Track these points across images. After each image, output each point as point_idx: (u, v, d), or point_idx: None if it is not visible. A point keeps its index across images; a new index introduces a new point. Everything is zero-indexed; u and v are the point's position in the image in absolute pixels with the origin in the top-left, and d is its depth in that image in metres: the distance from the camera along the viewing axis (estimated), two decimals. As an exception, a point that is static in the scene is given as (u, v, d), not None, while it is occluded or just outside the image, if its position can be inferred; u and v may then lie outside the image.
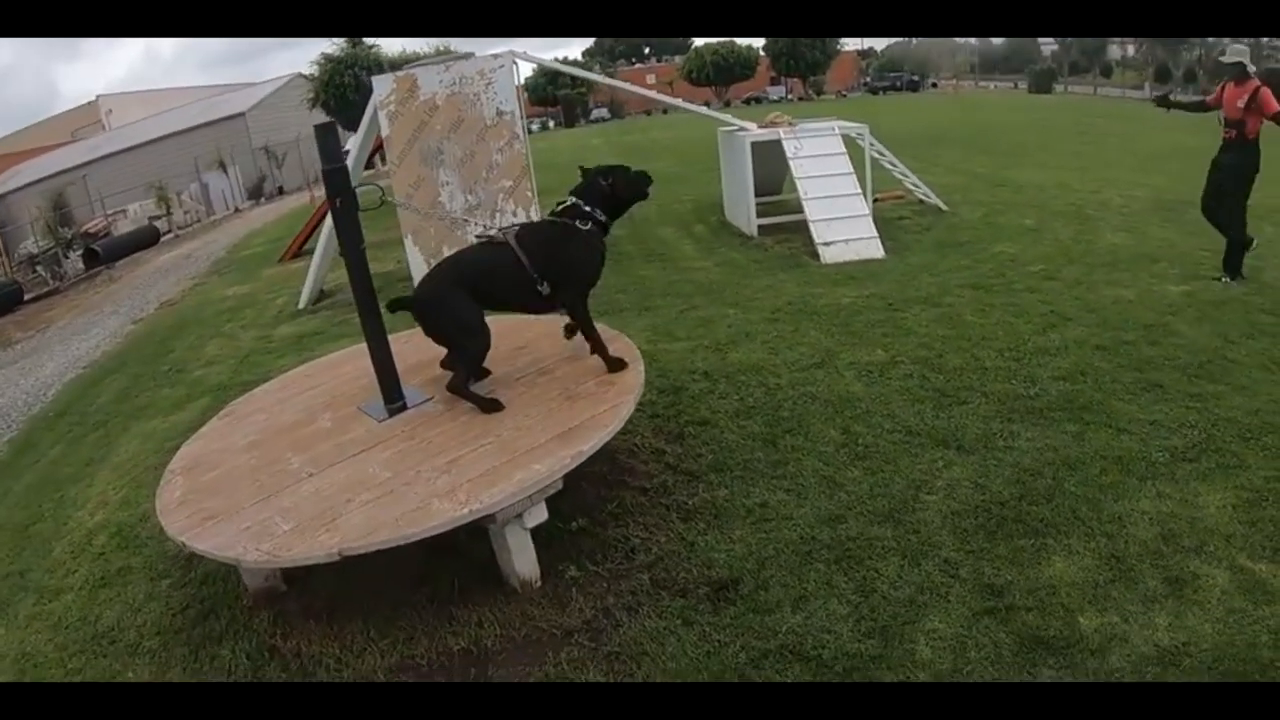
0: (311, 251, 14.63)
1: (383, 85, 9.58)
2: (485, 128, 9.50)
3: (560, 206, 4.69)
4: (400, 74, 9.69)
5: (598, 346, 4.63)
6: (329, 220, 10.99)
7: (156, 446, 6.59)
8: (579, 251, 4.58)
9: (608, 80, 17.10)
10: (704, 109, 14.65)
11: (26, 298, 20.17)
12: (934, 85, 76.75)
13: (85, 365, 10.91)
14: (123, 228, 27.06)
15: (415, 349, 5.05)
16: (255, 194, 36.15)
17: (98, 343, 12.35)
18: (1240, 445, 4.70)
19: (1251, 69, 7.90)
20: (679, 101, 14.90)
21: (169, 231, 27.28)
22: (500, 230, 4.67)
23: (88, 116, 50.32)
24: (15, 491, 6.58)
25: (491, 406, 4.35)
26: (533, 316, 5.15)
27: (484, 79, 9.39)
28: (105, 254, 23.11)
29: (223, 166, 33.94)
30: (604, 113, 72.14)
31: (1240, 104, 7.73)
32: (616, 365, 4.58)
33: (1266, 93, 7.72)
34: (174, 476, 4.30)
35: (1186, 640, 3.28)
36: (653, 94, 15.05)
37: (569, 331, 4.92)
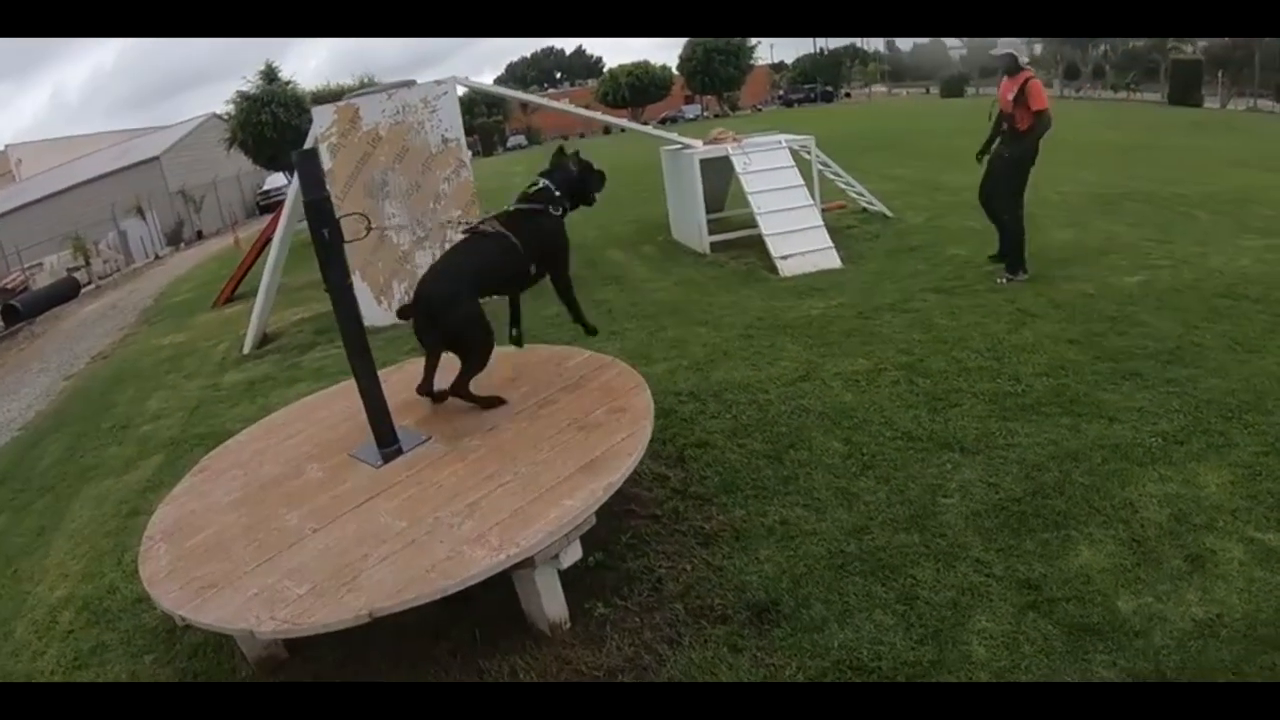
0: (244, 296, 14.36)
1: (323, 116, 9.38)
2: (431, 156, 9.35)
3: (532, 189, 4.82)
4: (341, 104, 9.49)
5: (581, 319, 5.09)
6: (271, 260, 10.76)
7: (113, 510, 6.26)
8: (556, 230, 4.82)
9: (554, 104, 16.96)
10: (648, 128, 14.65)
11: (-56, 360, 19.38)
12: (847, 95, 78.04)
13: (20, 427, 10.35)
14: (41, 281, 26.18)
15: (405, 384, 4.87)
16: (174, 239, 35.34)
17: (29, 402, 11.77)
18: (1225, 424, 4.84)
19: (1024, 60, 8.17)
20: (626, 122, 14.90)
21: (89, 283, 26.48)
22: (481, 221, 4.76)
23: (-3, 167, 48.95)
24: (-38, 568, 6.14)
25: (493, 403, 4.45)
26: (512, 348, 5.20)
27: (428, 106, 9.25)
28: (25, 309, 22.29)
29: (140, 213, 33.12)
30: (521, 139, 72.13)
31: (1010, 96, 7.86)
32: (591, 330, 5.14)
33: (1036, 85, 7.86)
34: (155, 544, 3.97)
35: (1219, 612, 3.36)
36: (599, 115, 15.00)
37: (519, 341, 5.19)
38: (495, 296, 4.87)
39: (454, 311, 4.38)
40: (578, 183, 4.92)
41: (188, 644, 4.18)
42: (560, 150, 5.05)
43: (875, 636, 3.46)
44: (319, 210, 3.97)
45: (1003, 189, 8.15)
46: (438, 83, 9.43)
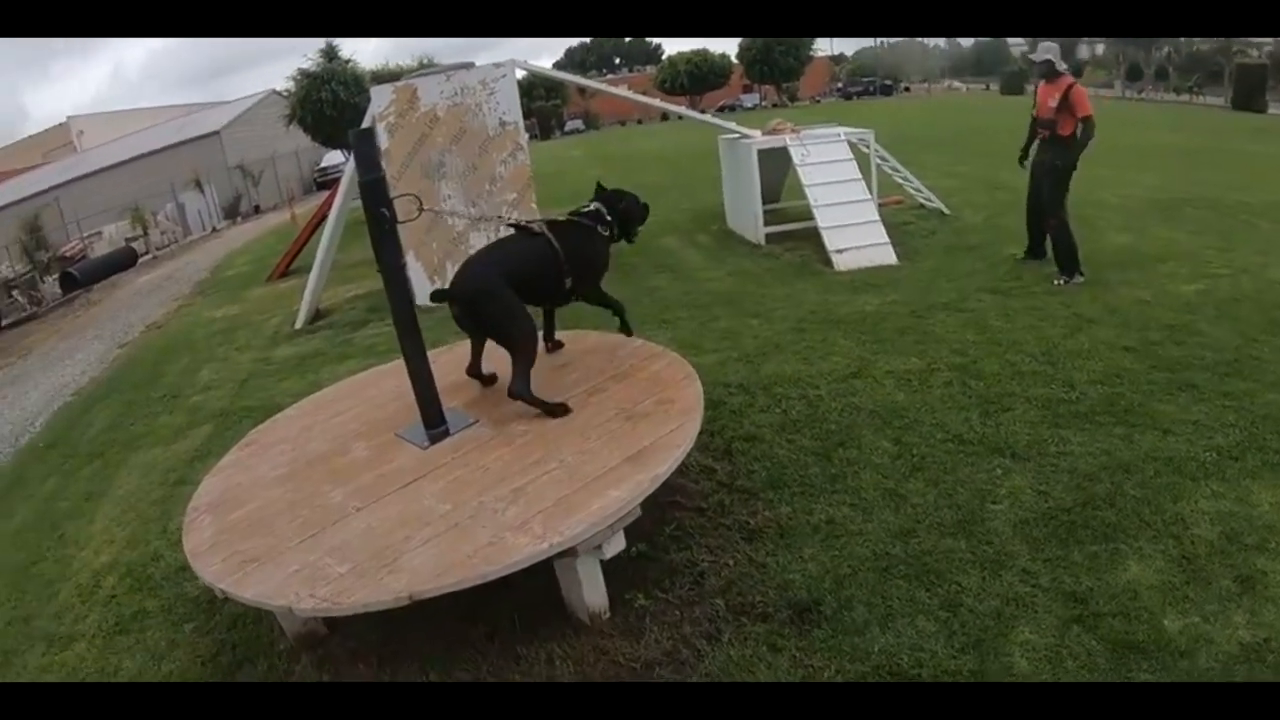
0: (299, 271, 14.48)
1: (381, 96, 9.40)
2: (488, 139, 9.34)
3: (584, 209, 4.88)
4: (400, 84, 9.50)
5: (619, 309, 5.04)
6: (325, 237, 10.84)
7: (160, 479, 6.35)
8: (600, 250, 4.87)
9: (612, 90, 16.87)
10: (706, 117, 14.56)
11: (3, 324, 19.75)
12: (906, 89, 77.35)
13: (72, 393, 10.53)
14: (99, 250, 26.65)
15: (454, 365, 4.86)
16: (231, 213, 35.78)
17: (83, 369, 11.97)
18: None
19: (1062, 66, 8.01)
20: (684, 110, 14.80)
21: (146, 253, 26.91)
22: (530, 222, 4.74)
23: (59, 138, 49.68)
24: (8, 530, 6.25)
25: (559, 411, 4.27)
26: (574, 332, 5.25)
27: (486, 89, 9.23)
28: (83, 277, 22.73)
29: (199, 186, 33.57)
30: (579, 124, 72.20)
31: (1052, 103, 7.79)
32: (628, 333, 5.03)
33: (1080, 92, 7.81)
34: (199, 515, 4.00)
35: (1267, 636, 3.28)
36: (656, 102, 14.87)
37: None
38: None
39: (489, 302, 4.34)
40: (625, 215, 4.99)
41: (228, 614, 4.23)
42: (599, 185, 5.11)
43: (916, 643, 3.41)
44: (374, 190, 3.95)
45: (1049, 195, 8.05)
46: (496, 65, 9.41)
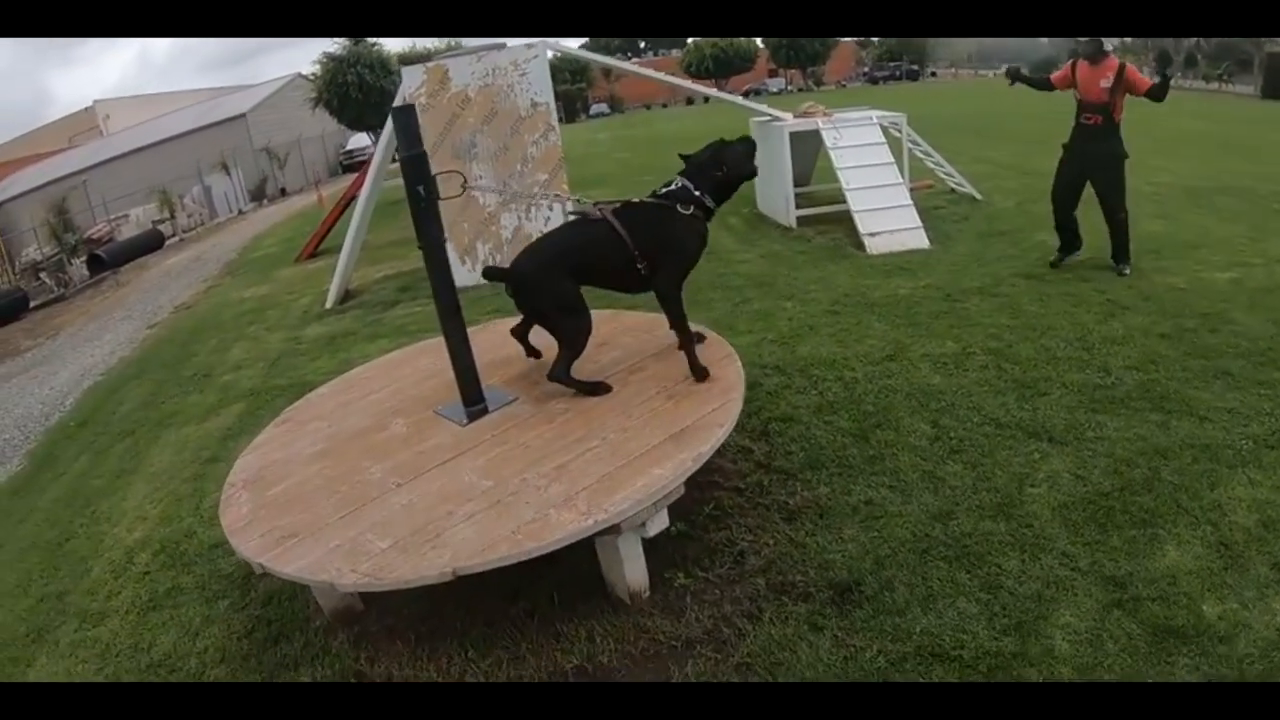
0: (327, 252, 14.53)
1: (413, 77, 9.41)
2: (520, 119, 9.35)
3: (665, 189, 4.48)
4: (431, 65, 9.50)
5: (686, 345, 4.38)
6: (356, 217, 10.88)
7: (192, 456, 6.39)
8: (679, 232, 4.38)
9: (647, 72, 16.70)
10: (738, 99, 14.50)
11: (32, 305, 19.92)
12: (933, 75, 76.66)
13: (102, 372, 10.63)
14: (126, 232, 26.82)
15: (491, 344, 4.85)
16: (258, 196, 35.94)
17: (112, 349, 12.08)
18: None
19: (1109, 47, 7.50)
20: (715, 92, 14.76)
21: (173, 235, 27.08)
22: (596, 205, 4.47)
23: (85, 122, 49.91)
24: (41, 507, 6.30)
25: (598, 389, 4.23)
26: (611, 311, 5.03)
27: (518, 70, 9.23)
28: (110, 259, 22.89)
29: (225, 169, 33.71)
30: (604, 108, 72.14)
31: (1105, 84, 7.34)
32: (701, 374, 4.28)
33: (1134, 70, 7.43)
34: (236, 491, 4.00)
35: None
36: (690, 85, 14.80)
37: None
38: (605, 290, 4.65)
39: (541, 289, 4.27)
40: (723, 184, 4.56)
41: (263, 591, 4.26)
42: (689, 157, 4.64)
43: (958, 624, 3.40)
44: (416, 166, 3.94)
45: (1113, 187, 7.67)
46: (528, 46, 9.41)
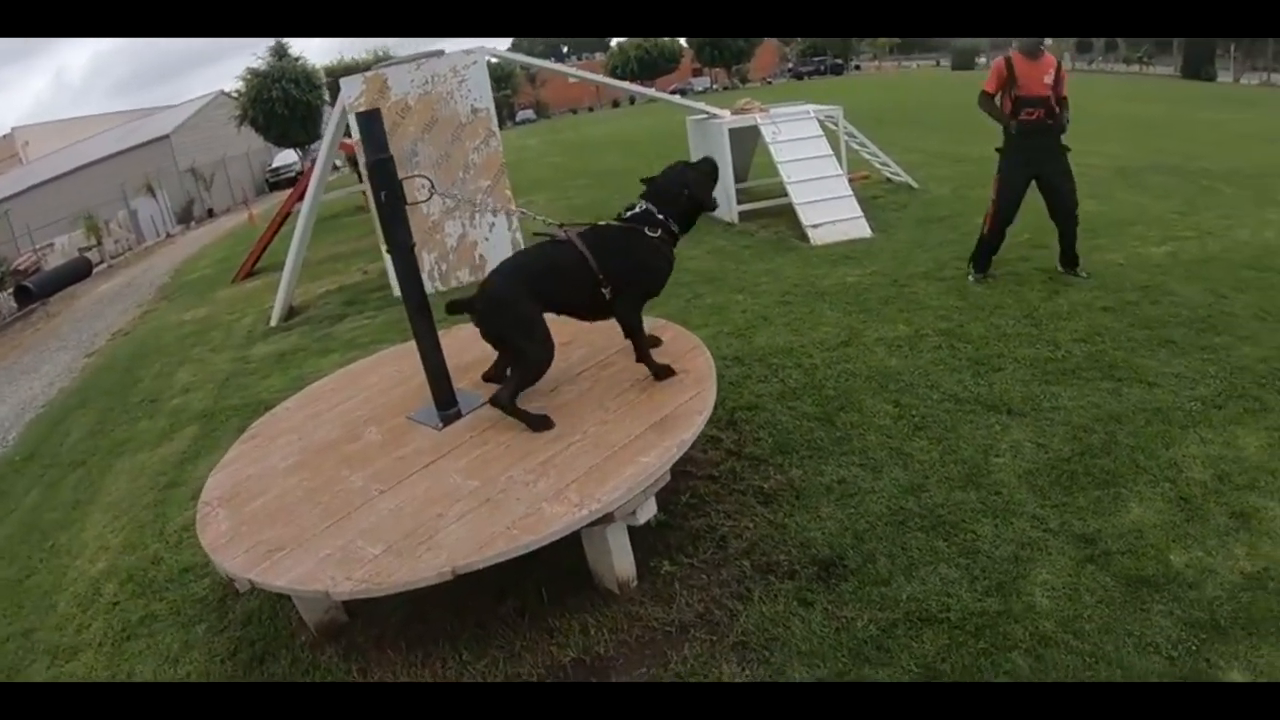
0: (264, 271, 14.38)
1: (352, 86, 9.34)
2: (460, 126, 9.34)
3: (630, 212, 4.37)
4: (370, 74, 9.44)
5: (643, 355, 4.36)
6: (297, 233, 10.77)
7: (150, 482, 6.27)
8: (645, 257, 4.29)
9: (591, 76, 16.69)
10: (677, 99, 14.61)
11: (-40, 341, 19.38)
12: (856, 68, 77.52)
13: (43, 404, 10.34)
14: (52, 261, 26.17)
15: (457, 348, 4.82)
16: (185, 218, 35.30)
17: (51, 380, 11.77)
18: (1260, 390, 4.96)
19: (1046, 42, 7.09)
20: (654, 92, 14.86)
21: (101, 262, 26.49)
22: (562, 227, 4.36)
23: (4, 150, 48.62)
24: (-5, 544, 6.13)
25: (541, 424, 4.01)
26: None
27: (456, 76, 9.24)
28: (38, 290, 22.29)
29: (151, 191, 33.09)
30: (530, 114, 72.02)
31: (1048, 79, 6.90)
32: (663, 373, 4.30)
33: (1064, 71, 7.11)
34: (212, 509, 3.93)
35: (1266, 566, 3.50)
36: (629, 86, 14.82)
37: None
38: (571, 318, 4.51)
39: (504, 312, 4.11)
40: (690, 207, 4.46)
41: (241, 612, 4.21)
42: (651, 181, 4.51)
43: (941, 589, 3.53)
44: (382, 171, 3.97)
45: (1071, 189, 7.17)
46: (467, 52, 9.41)
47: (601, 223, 4.39)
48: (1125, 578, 3.50)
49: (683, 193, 4.40)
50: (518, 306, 4.09)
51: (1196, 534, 3.73)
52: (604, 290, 4.21)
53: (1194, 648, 3.10)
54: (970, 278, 7.46)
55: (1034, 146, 7.05)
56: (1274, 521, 3.77)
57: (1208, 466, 4.24)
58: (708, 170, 4.59)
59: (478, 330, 4.27)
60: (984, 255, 7.46)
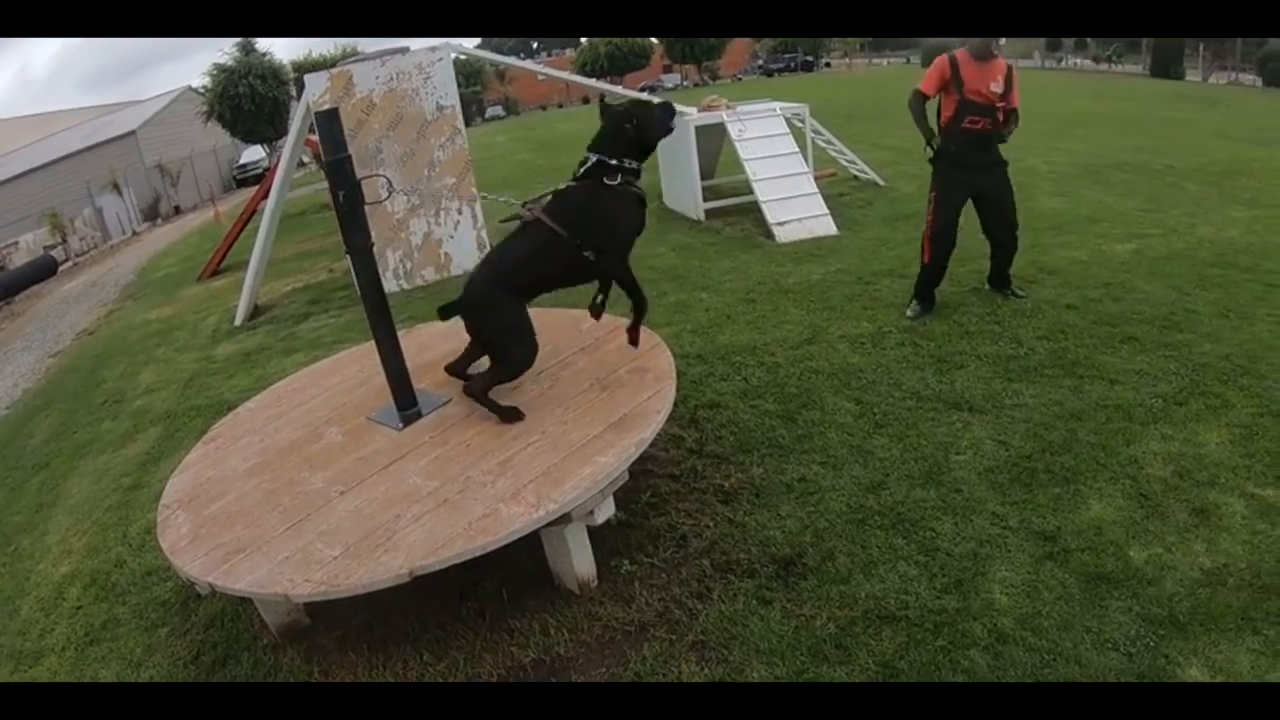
0: (230, 269, 14.26)
1: (316, 83, 9.27)
2: (426, 123, 9.30)
3: (583, 168, 4.14)
4: (335, 71, 9.37)
5: (639, 307, 4.32)
6: (262, 231, 10.69)
7: (113, 484, 6.20)
8: (614, 208, 4.09)
9: (560, 74, 16.65)
10: (644, 96, 14.59)
11: (-78, 341, 19.12)
12: (827, 65, 77.62)
13: (6, 406, 10.21)
14: (16, 260, 25.84)
15: (417, 348, 4.83)
16: (151, 215, 34.93)
17: (14, 381, 11.62)
18: (1221, 387, 5.02)
19: (999, 43, 6.31)
20: (621, 89, 14.81)
21: (67, 260, 26.18)
22: (526, 206, 4.23)
23: (-34, 147, 48.01)
24: (-45, 550, 6.04)
25: (512, 415, 4.04)
26: (534, 311, 4.91)
27: (422, 73, 9.18)
28: (2, 289, 22.05)
29: (116, 188, 32.71)
30: (499, 110, 71.74)
31: (996, 87, 6.18)
32: (636, 340, 4.39)
33: (1017, 77, 6.35)
34: (172, 512, 3.89)
35: (1225, 562, 3.55)
36: (597, 84, 14.80)
37: (597, 311, 4.50)
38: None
39: (485, 316, 4.13)
40: (637, 142, 4.14)
41: (204, 615, 4.18)
42: (603, 109, 4.27)
43: (900, 587, 3.56)
44: (339, 171, 3.93)
45: (1012, 205, 6.59)
46: (432, 49, 9.36)
47: (562, 185, 4.22)
48: (1084, 575, 3.54)
49: (627, 127, 4.11)
50: (500, 311, 4.09)
51: (1156, 530, 3.78)
52: (586, 254, 4.09)
53: (1152, 644, 3.14)
54: (908, 311, 6.65)
55: (976, 165, 6.37)
56: (1234, 518, 3.83)
57: (1168, 463, 4.29)
58: (661, 110, 4.29)
59: (439, 325, 4.38)
60: (925, 286, 6.69)
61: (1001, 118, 6.28)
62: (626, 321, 4.66)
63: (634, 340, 4.40)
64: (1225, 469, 4.20)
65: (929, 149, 6.46)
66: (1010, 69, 6.26)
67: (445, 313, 4.24)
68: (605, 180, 4.07)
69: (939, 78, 6.29)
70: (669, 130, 4.30)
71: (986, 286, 6.93)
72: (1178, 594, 3.37)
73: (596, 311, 4.47)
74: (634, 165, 4.13)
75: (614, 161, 4.07)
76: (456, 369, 4.51)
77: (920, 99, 6.38)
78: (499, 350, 4.21)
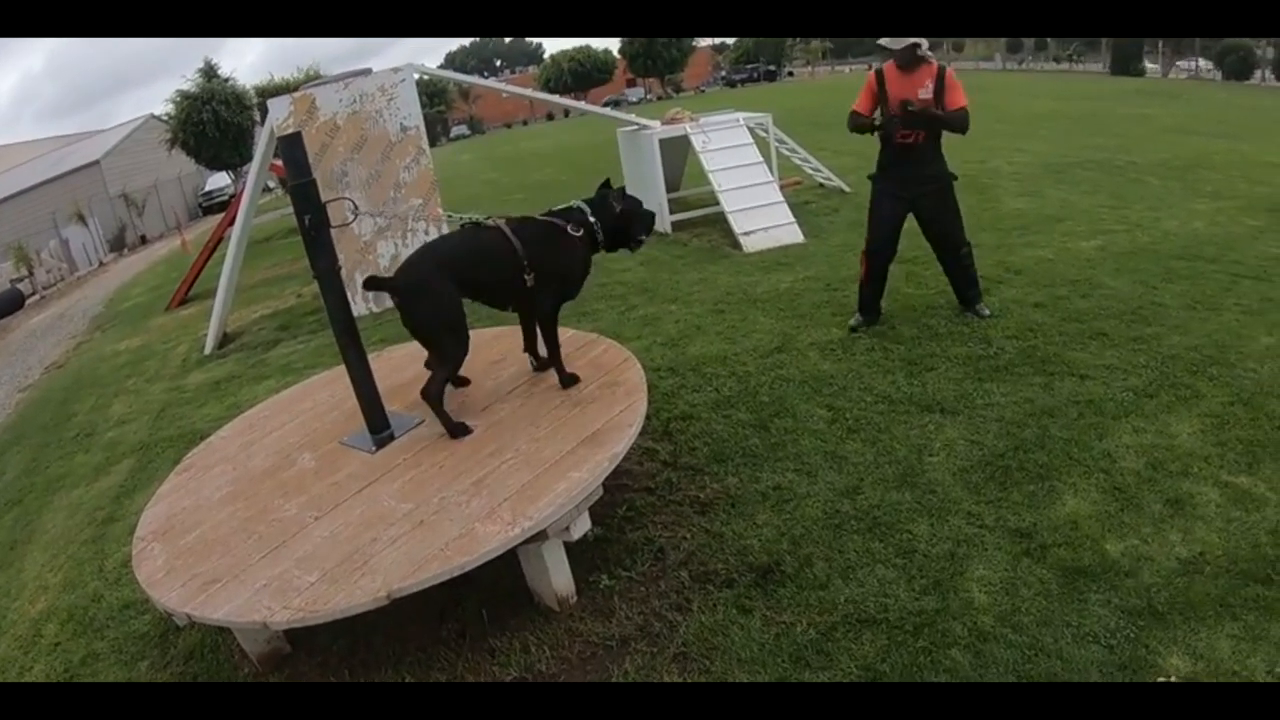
0: (198, 297, 14.17)
1: (279, 107, 9.23)
2: (390, 145, 9.27)
3: (561, 207, 4.51)
4: (298, 95, 9.34)
5: (554, 356, 4.51)
6: (229, 258, 10.63)
7: (87, 518, 6.12)
8: (564, 254, 4.39)
9: (523, 91, 16.73)
10: (608, 111, 14.62)
11: (-115, 379, 18.86)
12: (790, 74, 78.03)
13: (-25, 444, 10.18)
14: (-17, 295, 25.59)
15: (388, 370, 4.82)
16: (117, 245, 34.65)
17: (-16, 417, 11.56)
18: (1191, 378, 5.10)
19: (925, 49, 6.02)
20: (585, 105, 14.86)
21: (34, 293, 25.94)
22: (489, 218, 4.44)
23: (-72, 181, 47.54)
24: (-71, 588, 5.97)
25: (459, 431, 4.13)
26: (498, 330, 4.99)
27: (385, 95, 9.17)
28: (-31, 325, 21.83)
29: (82, 219, 32.45)
30: (464, 129, 71.75)
31: (924, 94, 5.98)
32: (570, 381, 4.45)
33: (952, 73, 6.08)
34: (148, 544, 3.86)
35: (1201, 551, 3.59)
36: (561, 100, 14.89)
37: (540, 364, 4.75)
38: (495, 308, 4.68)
39: (426, 299, 4.13)
40: (618, 219, 4.54)
41: (183, 647, 4.13)
42: (606, 183, 4.68)
43: (879, 590, 3.57)
44: (304, 195, 3.93)
45: (955, 219, 6.42)
46: (395, 70, 9.34)
47: (529, 215, 4.48)
48: (1062, 569, 3.56)
49: (615, 208, 4.52)
50: (440, 297, 4.12)
51: (1131, 522, 3.82)
52: (526, 277, 4.27)
53: (1132, 635, 3.16)
54: (851, 321, 6.60)
55: (910, 180, 6.21)
56: (1208, 506, 3.87)
57: (1141, 455, 4.34)
58: (647, 213, 4.74)
59: (410, 348, 4.38)
60: (868, 299, 6.57)
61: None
62: (594, 337, 4.75)
63: (565, 382, 4.49)
64: (1198, 458, 4.25)
65: (878, 129, 6.24)
66: (943, 71, 6.03)
67: (371, 284, 4.22)
68: (570, 229, 4.39)
69: (870, 94, 6.19)
70: (645, 233, 4.74)
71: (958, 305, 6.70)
72: (1155, 584, 3.40)
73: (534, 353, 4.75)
74: (600, 235, 4.52)
75: (592, 219, 4.46)
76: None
77: (857, 118, 6.32)
78: (435, 338, 4.26)
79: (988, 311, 6.48)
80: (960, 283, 6.54)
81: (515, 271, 4.26)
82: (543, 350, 4.66)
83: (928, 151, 6.13)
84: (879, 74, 6.14)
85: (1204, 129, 17.83)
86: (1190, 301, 6.29)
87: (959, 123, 5.96)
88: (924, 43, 5.96)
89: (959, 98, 5.99)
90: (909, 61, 5.99)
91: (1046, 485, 4.17)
